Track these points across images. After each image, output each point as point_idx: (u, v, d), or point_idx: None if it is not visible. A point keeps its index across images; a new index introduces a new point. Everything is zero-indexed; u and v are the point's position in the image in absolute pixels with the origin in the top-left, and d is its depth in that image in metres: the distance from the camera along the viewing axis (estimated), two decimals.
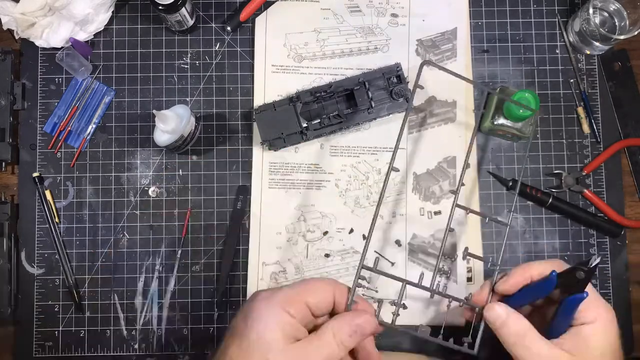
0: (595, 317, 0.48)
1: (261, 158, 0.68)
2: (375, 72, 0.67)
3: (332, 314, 0.47)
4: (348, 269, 0.66)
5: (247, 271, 0.67)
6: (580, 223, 0.68)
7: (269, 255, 0.67)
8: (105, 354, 0.66)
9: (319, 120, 0.66)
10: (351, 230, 0.67)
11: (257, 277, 0.66)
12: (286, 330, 0.42)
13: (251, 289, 0.66)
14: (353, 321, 0.44)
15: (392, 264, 0.67)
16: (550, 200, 0.67)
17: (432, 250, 0.67)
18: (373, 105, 0.66)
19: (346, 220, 0.67)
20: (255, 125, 0.68)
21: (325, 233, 0.67)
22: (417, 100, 0.68)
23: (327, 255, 0.67)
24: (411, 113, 0.69)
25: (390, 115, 0.67)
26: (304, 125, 0.66)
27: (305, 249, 0.67)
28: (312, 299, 0.44)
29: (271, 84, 0.69)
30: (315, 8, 0.70)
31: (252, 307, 0.43)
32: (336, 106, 0.67)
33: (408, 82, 0.67)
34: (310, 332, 0.45)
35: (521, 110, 0.62)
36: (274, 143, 0.66)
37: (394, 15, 0.70)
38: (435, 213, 0.67)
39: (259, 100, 0.69)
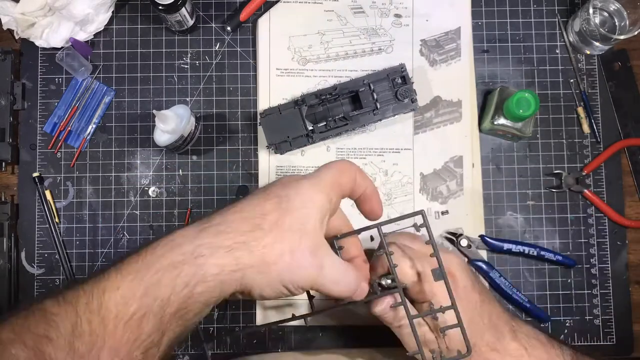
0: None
1: (268, 162, 0.68)
2: (379, 73, 0.67)
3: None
4: None
5: None
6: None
7: None
8: None
9: (325, 123, 0.66)
10: (359, 232, 0.67)
11: None
12: (322, 214, 0.42)
13: None
14: (363, 280, 0.45)
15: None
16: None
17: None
18: (378, 107, 0.66)
19: (354, 223, 0.67)
20: (260, 129, 0.67)
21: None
22: (423, 100, 0.68)
23: None
24: (417, 113, 0.69)
25: (396, 116, 0.67)
26: (310, 128, 0.65)
27: None
28: (345, 179, 0.44)
29: (276, 87, 0.69)
30: (319, 10, 0.70)
31: (297, 183, 0.42)
32: (341, 108, 0.67)
33: (413, 83, 0.67)
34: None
35: (521, 110, 0.62)
36: (280, 147, 0.66)
37: (397, 15, 0.70)
38: (443, 213, 0.67)
39: (263, 104, 0.68)
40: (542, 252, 0.66)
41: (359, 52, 0.70)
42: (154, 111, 0.60)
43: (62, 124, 0.69)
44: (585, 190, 0.68)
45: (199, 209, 0.68)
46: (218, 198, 0.68)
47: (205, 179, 0.69)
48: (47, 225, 0.67)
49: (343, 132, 0.66)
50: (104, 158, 0.69)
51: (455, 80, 0.69)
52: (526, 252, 0.66)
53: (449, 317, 0.45)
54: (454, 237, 0.66)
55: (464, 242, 0.66)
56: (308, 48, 0.69)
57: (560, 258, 0.66)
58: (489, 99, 0.68)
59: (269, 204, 0.41)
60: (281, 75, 0.69)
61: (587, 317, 0.67)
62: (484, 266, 0.65)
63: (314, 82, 0.69)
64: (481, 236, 0.66)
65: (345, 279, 0.43)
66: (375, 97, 0.66)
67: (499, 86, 0.68)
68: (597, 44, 0.68)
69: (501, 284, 0.65)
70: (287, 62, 0.69)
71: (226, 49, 0.70)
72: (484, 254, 0.67)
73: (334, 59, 0.69)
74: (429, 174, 0.68)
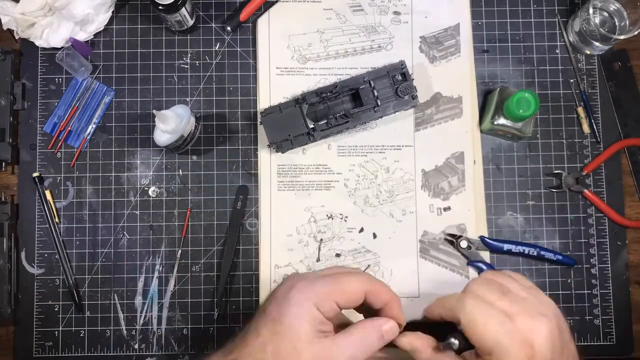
0: (491, 349, 0.44)
1: (269, 161, 0.68)
2: (379, 70, 0.67)
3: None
4: (360, 268, 0.67)
5: (250, 271, 0.67)
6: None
7: (280, 257, 0.67)
8: (105, 354, 0.66)
9: (326, 121, 0.66)
10: (361, 230, 0.67)
11: (269, 280, 0.67)
12: (315, 324, 0.44)
13: (263, 292, 0.66)
14: (383, 326, 0.46)
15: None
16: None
17: (443, 246, 0.67)
18: (379, 104, 0.66)
19: (356, 220, 0.67)
20: (261, 127, 0.67)
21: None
22: (423, 97, 0.69)
23: (337, 255, 0.67)
24: (417, 110, 0.69)
25: (397, 113, 0.67)
26: (311, 126, 0.65)
27: (316, 250, 0.67)
28: (341, 299, 0.45)
29: (276, 86, 0.69)
30: (318, 8, 0.70)
31: (287, 297, 0.45)
32: (342, 106, 0.67)
33: (413, 79, 0.67)
34: (335, 322, 0.46)
35: (521, 110, 0.62)
36: (281, 145, 0.66)
37: (396, 13, 0.70)
38: (445, 209, 0.68)
39: (264, 103, 0.68)
40: (542, 252, 0.66)
41: (358, 49, 0.70)
42: (154, 111, 0.60)
43: (62, 124, 0.69)
44: (585, 190, 0.68)
45: (199, 209, 0.68)
46: (218, 198, 0.68)
47: (205, 179, 0.69)
48: (47, 225, 0.67)
49: (344, 129, 0.66)
50: (104, 158, 0.69)
51: (455, 76, 0.69)
52: (526, 252, 0.66)
53: None
54: (453, 239, 0.66)
55: (463, 244, 0.66)
56: (308, 46, 0.69)
57: (560, 258, 0.66)
58: (489, 99, 0.68)
59: (265, 330, 0.44)
60: (281, 74, 0.69)
61: (587, 317, 0.67)
62: (484, 267, 0.65)
63: (314, 80, 0.69)
64: (481, 237, 0.66)
65: (360, 350, 0.44)
66: (375, 94, 0.66)
67: (499, 86, 0.68)
68: (597, 44, 0.68)
69: None
70: (287, 61, 0.69)
71: (226, 49, 0.70)
72: (485, 254, 0.67)
73: (333, 57, 0.69)
74: (431, 171, 0.68)
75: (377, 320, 0.46)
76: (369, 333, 0.45)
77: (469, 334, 0.45)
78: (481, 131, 0.69)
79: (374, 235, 0.67)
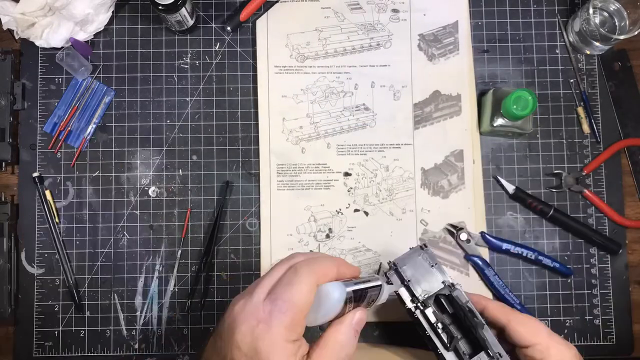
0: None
1: (268, 160, 0.68)
2: None
3: None
4: (360, 266, 0.67)
5: (250, 271, 0.67)
6: (580, 237, 0.68)
7: (280, 257, 0.67)
8: (105, 354, 0.66)
9: None
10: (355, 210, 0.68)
11: None
12: (296, 357, 0.41)
13: None
14: (352, 322, 0.45)
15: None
16: (551, 212, 0.67)
17: (444, 244, 0.67)
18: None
19: (356, 219, 0.67)
20: (261, 127, 0.68)
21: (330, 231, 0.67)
22: (422, 95, 0.69)
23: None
24: (417, 108, 0.69)
25: (396, 111, 0.67)
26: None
27: (317, 249, 0.67)
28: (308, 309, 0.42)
29: (275, 85, 0.69)
30: (316, 7, 0.70)
31: (257, 348, 0.40)
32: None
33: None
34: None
35: (519, 109, 0.62)
36: None
37: (394, 10, 0.70)
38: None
39: (263, 101, 0.68)
40: (540, 257, 0.66)
41: (357, 47, 0.70)
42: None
43: (62, 124, 0.69)
44: (585, 190, 0.68)
45: (199, 209, 0.68)
46: (218, 198, 0.68)
47: (205, 179, 0.69)
48: (47, 225, 0.67)
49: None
50: (104, 158, 0.69)
51: (454, 74, 0.69)
52: (524, 254, 0.66)
53: None
54: (454, 230, 0.66)
55: (463, 236, 0.66)
56: (306, 45, 0.69)
57: (557, 266, 0.66)
58: (484, 101, 0.68)
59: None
60: (280, 72, 0.69)
61: (587, 317, 0.67)
62: (479, 262, 0.65)
63: (313, 78, 0.69)
64: (482, 233, 0.66)
65: (342, 355, 0.43)
66: None
67: (499, 86, 0.68)
68: (597, 44, 0.68)
69: (495, 283, 0.65)
70: (285, 60, 0.69)
71: (226, 49, 0.70)
72: (485, 251, 0.67)
73: (332, 55, 0.69)
74: (430, 169, 0.68)
75: (344, 320, 0.45)
76: (344, 335, 0.44)
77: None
78: (481, 133, 0.69)
79: (365, 213, 0.67)
